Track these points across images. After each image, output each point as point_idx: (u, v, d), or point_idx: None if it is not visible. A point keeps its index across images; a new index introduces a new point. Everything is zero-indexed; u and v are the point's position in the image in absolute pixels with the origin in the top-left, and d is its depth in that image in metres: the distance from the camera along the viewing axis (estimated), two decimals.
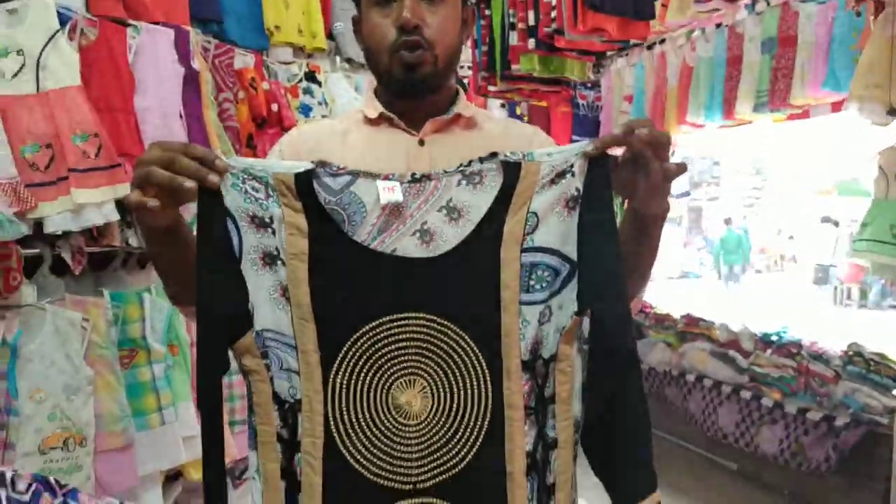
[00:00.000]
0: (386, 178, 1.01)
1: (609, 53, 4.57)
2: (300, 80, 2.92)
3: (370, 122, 1.23)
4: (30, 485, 1.27)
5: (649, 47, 4.39)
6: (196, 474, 2.28)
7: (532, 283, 1.01)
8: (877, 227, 2.79)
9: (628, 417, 1.08)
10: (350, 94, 3.11)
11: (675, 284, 15.45)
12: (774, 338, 4.50)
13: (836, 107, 3.95)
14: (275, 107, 2.63)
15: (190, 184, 0.93)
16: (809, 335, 4.66)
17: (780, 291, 14.60)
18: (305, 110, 2.84)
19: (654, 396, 5.37)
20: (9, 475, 1.26)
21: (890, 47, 2.80)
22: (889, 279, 3.58)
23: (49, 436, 1.92)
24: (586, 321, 1.02)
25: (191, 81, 2.31)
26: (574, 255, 1.01)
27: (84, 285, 2.17)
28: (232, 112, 2.47)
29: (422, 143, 1.20)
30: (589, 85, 4.64)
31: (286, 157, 1.19)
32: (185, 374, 2.27)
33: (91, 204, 1.95)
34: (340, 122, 1.27)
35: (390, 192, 1.00)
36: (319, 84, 2.97)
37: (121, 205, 2.03)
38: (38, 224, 1.94)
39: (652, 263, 1.21)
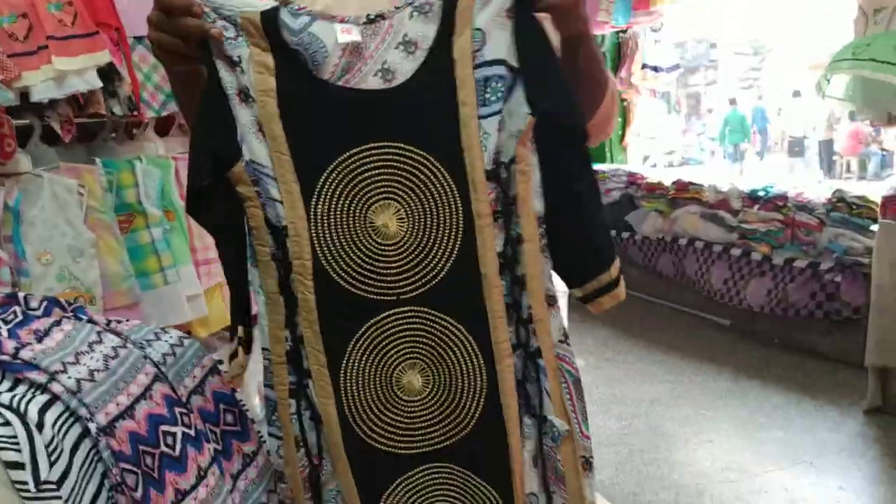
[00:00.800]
0: (342, 20, 1.06)
1: None
2: None
3: None
4: (41, 302, 1.38)
5: None
6: (203, 332, 2.41)
7: (488, 96, 1.06)
8: (840, 54, 2.82)
9: (582, 205, 1.16)
10: None
11: (676, 172, 15.45)
12: (762, 193, 4.57)
13: None
14: None
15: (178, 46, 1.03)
16: None
17: (781, 167, 14.65)
18: None
19: (649, 264, 5.51)
20: (21, 296, 1.37)
21: None
22: (847, 108, 3.60)
23: (60, 294, 2.04)
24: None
25: None
26: (516, 63, 1.06)
27: (76, 155, 2.25)
28: None
29: None
30: None
31: None
32: (182, 238, 2.37)
33: (72, 71, 2.00)
34: None
35: (347, 34, 1.05)
36: None
37: (102, 72, 2.09)
38: (24, 95, 2.00)
39: (596, 85, 1.24)
